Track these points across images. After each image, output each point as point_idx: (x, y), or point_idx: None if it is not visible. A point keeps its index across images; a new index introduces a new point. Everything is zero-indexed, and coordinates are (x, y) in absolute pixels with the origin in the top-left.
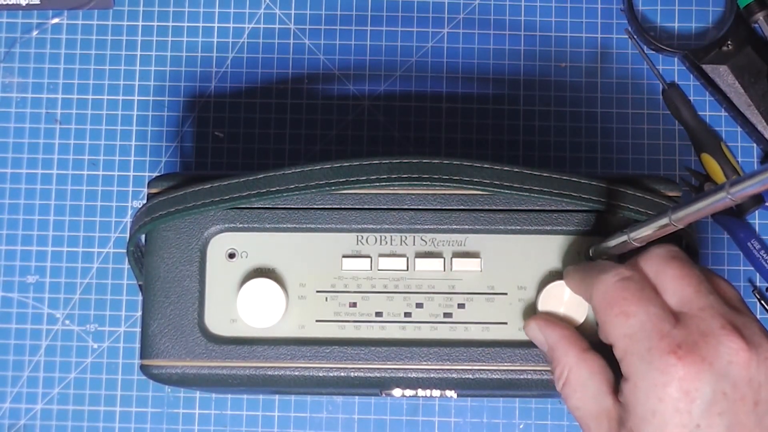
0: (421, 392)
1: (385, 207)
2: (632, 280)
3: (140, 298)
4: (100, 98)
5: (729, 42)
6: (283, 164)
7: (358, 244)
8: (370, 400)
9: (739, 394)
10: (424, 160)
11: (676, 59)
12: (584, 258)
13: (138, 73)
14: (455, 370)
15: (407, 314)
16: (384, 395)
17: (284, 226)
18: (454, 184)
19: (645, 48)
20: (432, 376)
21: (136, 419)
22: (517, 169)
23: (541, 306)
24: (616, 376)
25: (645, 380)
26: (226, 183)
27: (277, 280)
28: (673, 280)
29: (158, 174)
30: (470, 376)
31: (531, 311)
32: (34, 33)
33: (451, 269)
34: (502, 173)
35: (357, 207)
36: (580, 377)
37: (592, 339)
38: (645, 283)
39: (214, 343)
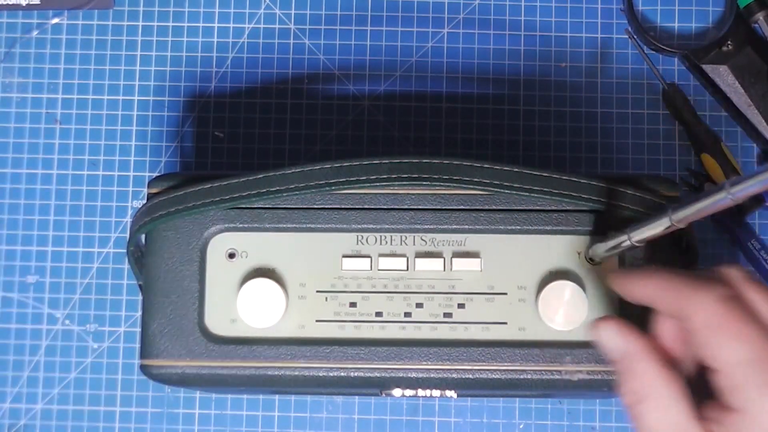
0: (421, 392)
1: (385, 207)
2: (737, 299)
3: (140, 298)
4: (100, 98)
5: (729, 42)
6: (283, 164)
7: (358, 244)
8: (370, 400)
9: None
10: (424, 160)
11: (676, 59)
12: (584, 258)
13: (138, 73)
14: (455, 370)
15: (407, 314)
16: (384, 395)
17: (284, 226)
18: (454, 184)
19: (645, 48)
20: (432, 376)
21: (136, 419)
22: (517, 169)
23: (542, 306)
24: (695, 400)
25: (763, 415)
26: (226, 183)
27: (277, 280)
28: (765, 304)
29: (158, 174)
30: (470, 376)
31: (531, 311)
32: (34, 33)
33: (451, 269)
34: (502, 173)
35: (357, 207)
36: (661, 396)
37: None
38: (747, 303)
39: (214, 343)
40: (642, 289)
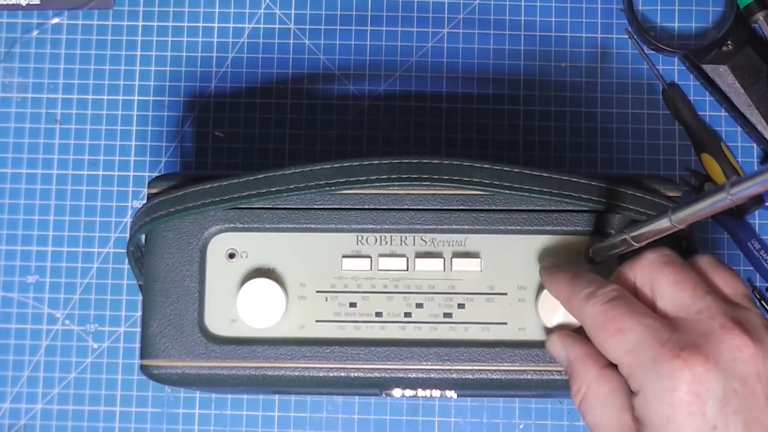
0: (421, 392)
1: (385, 207)
2: (618, 297)
3: (140, 298)
4: (100, 98)
5: (729, 42)
6: (283, 164)
7: (358, 244)
8: (370, 400)
9: (749, 390)
10: (424, 160)
11: (676, 59)
12: (584, 258)
13: (138, 73)
14: (455, 370)
15: (407, 314)
16: (384, 395)
17: (284, 226)
18: (454, 184)
19: (645, 48)
20: (432, 376)
21: (136, 419)
22: (517, 169)
23: (541, 306)
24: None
25: (654, 390)
26: (226, 183)
27: (277, 280)
28: (668, 287)
29: (158, 174)
30: (470, 376)
31: (531, 311)
32: (34, 33)
33: (451, 269)
34: (502, 173)
35: (357, 207)
36: (598, 394)
37: None
38: (632, 298)
39: (214, 343)
40: (553, 292)
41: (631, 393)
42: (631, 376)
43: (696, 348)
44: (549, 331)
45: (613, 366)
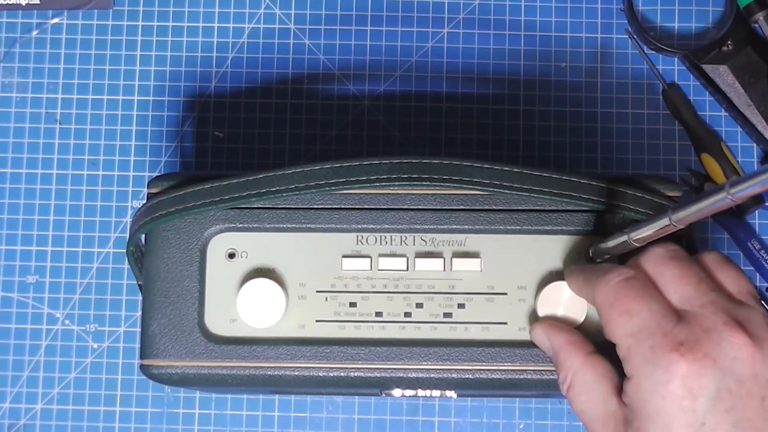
0: (421, 392)
1: (385, 207)
2: (635, 278)
3: (140, 298)
4: (100, 98)
5: (729, 42)
6: (283, 164)
7: (358, 244)
8: (370, 400)
9: (745, 390)
10: (424, 160)
11: (676, 59)
12: (584, 258)
13: (138, 73)
14: (455, 370)
15: (407, 314)
16: (384, 395)
17: (284, 226)
18: (454, 184)
19: (645, 48)
20: (432, 376)
21: (136, 419)
22: (517, 169)
23: (541, 306)
24: (621, 378)
25: (648, 379)
26: (226, 183)
27: (277, 280)
28: (673, 280)
29: (158, 174)
30: (470, 376)
31: (531, 311)
32: (34, 33)
33: (451, 269)
34: (502, 173)
35: (357, 207)
36: (585, 381)
37: (594, 339)
38: (647, 282)
39: (214, 343)
40: (572, 283)
41: (619, 379)
42: (627, 360)
43: (696, 343)
44: (528, 317)
45: (599, 352)
